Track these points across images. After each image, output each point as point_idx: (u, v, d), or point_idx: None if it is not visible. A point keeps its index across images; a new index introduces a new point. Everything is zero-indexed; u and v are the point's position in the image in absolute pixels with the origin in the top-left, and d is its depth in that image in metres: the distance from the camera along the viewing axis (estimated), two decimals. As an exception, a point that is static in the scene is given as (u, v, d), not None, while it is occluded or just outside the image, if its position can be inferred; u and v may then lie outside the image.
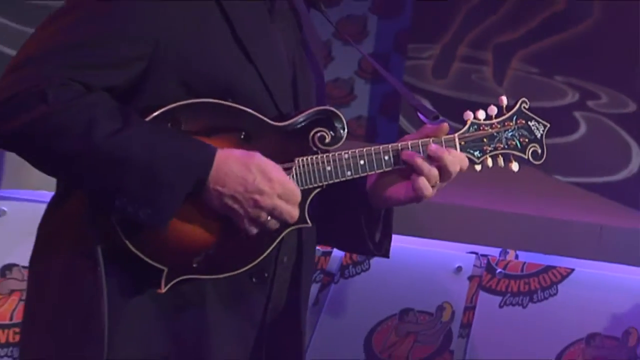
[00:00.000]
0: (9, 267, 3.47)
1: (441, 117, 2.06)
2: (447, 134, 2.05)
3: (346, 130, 1.99)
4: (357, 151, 2.00)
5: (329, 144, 1.98)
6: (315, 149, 1.98)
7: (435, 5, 6.59)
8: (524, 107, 2.12)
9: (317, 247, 2.20)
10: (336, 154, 1.99)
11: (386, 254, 2.16)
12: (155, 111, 1.89)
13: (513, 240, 4.20)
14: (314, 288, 3.82)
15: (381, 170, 2.03)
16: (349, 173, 2.00)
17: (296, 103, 2.04)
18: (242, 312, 2.00)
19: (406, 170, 2.03)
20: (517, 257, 4.16)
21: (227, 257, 1.94)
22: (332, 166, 1.98)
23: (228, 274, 1.94)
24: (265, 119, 1.95)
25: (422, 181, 2.01)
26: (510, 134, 2.10)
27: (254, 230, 1.91)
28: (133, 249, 1.88)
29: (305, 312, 2.12)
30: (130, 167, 1.84)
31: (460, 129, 2.07)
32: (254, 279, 1.99)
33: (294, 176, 1.96)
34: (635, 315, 4.08)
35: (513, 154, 2.10)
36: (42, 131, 1.84)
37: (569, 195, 5.61)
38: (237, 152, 1.90)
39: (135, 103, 1.91)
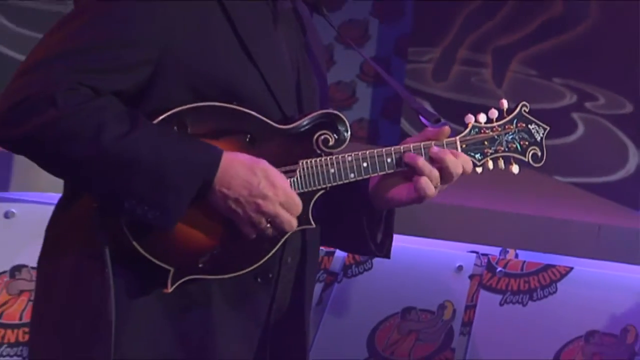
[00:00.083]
0: (18, 268, 3.46)
1: (442, 120, 2.07)
2: (448, 137, 2.06)
3: (349, 133, 2.00)
4: (360, 154, 2.01)
5: (332, 147, 1.99)
6: (319, 151, 1.99)
7: (435, 9, 6.60)
8: (524, 111, 2.12)
9: (320, 248, 2.19)
10: (339, 157, 1.99)
11: (387, 255, 2.17)
12: (161, 114, 1.89)
13: (513, 240, 4.19)
14: (318, 288, 3.80)
15: (384, 173, 2.04)
16: (352, 175, 2.00)
17: (300, 106, 2.05)
18: (247, 312, 2.01)
19: (408, 172, 2.04)
20: (517, 256, 4.16)
21: (232, 258, 1.94)
22: (336, 168, 1.99)
23: (233, 274, 1.94)
24: (269, 122, 1.96)
25: (425, 181, 2.02)
26: (510, 136, 2.11)
27: (253, 235, 1.92)
28: (141, 250, 1.88)
29: (309, 312, 2.12)
30: (139, 169, 1.85)
31: (461, 132, 2.08)
32: (258, 279, 2.00)
33: (298, 178, 1.97)
34: (633, 313, 4.07)
35: (513, 157, 2.11)
36: (52, 135, 1.85)
37: (567, 195, 5.60)
38: (243, 156, 1.90)
39: (143, 107, 1.91)
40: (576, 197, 5.61)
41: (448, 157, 2.03)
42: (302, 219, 1.96)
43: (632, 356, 4.09)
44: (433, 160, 2.04)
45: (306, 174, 1.98)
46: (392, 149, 2.04)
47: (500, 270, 4.07)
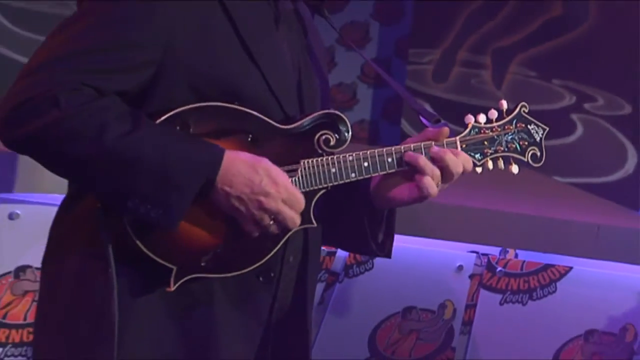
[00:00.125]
0: (23, 268, 3.46)
1: (442, 121, 2.08)
2: (448, 137, 2.07)
3: (350, 133, 2.01)
4: (361, 153, 2.02)
5: (333, 147, 2.00)
6: (320, 151, 1.99)
7: (435, 11, 6.61)
8: (524, 111, 2.13)
9: (322, 247, 2.20)
10: (340, 156, 2.00)
11: (388, 255, 2.18)
12: (164, 114, 1.90)
13: (513, 240, 4.20)
14: (319, 287, 3.79)
15: (384, 172, 2.04)
16: (353, 175, 2.01)
17: (301, 106, 2.06)
18: (249, 311, 2.01)
19: (409, 171, 2.05)
20: (516, 255, 4.16)
21: (235, 257, 1.95)
22: (337, 168, 2.00)
23: (235, 273, 1.95)
24: (271, 122, 1.97)
25: (428, 180, 2.03)
26: (510, 137, 2.12)
27: (256, 233, 1.93)
28: (144, 249, 1.89)
29: (311, 311, 2.13)
30: (142, 168, 1.85)
31: (461, 132, 2.09)
32: (260, 279, 2.01)
33: (300, 177, 1.97)
34: (632, 312, 4.06)
35: (513, 157, 2.12)
36: (55, 136, 1.85)
37: (566, 196, 5.60)
38: (245, 155, 1.91)
39: (146, 107, 1.92)
40: (575, 197, 5.61)
41: (448, 156, 2.04)
42: (303, 218, 1.96)
43: (631, 355, 4.10)
44: (434, 160, 2.04)
45: (307, 173, 1.98)
46: (393, 148, 2.05)
47: (500, 270, 4.07)
